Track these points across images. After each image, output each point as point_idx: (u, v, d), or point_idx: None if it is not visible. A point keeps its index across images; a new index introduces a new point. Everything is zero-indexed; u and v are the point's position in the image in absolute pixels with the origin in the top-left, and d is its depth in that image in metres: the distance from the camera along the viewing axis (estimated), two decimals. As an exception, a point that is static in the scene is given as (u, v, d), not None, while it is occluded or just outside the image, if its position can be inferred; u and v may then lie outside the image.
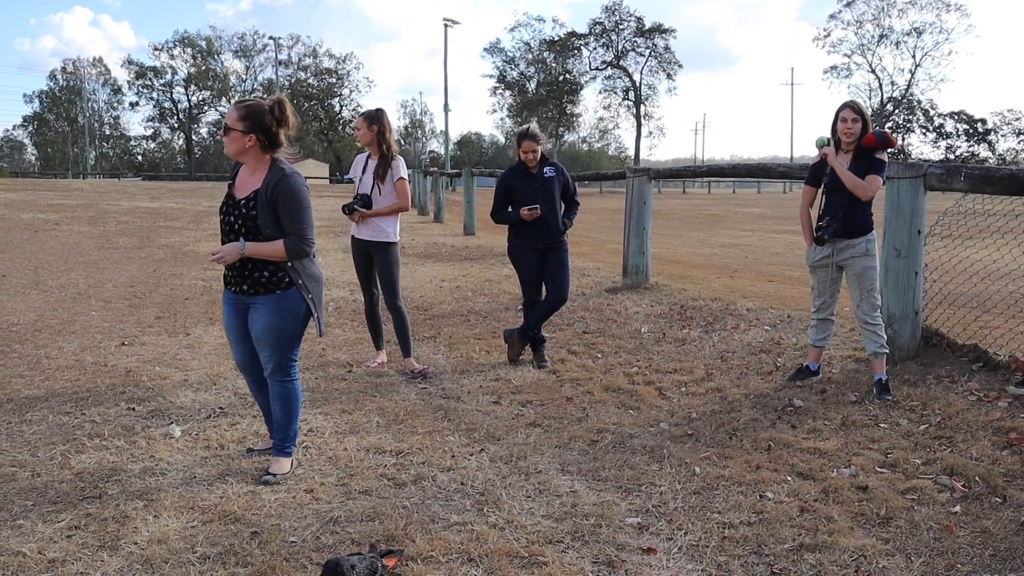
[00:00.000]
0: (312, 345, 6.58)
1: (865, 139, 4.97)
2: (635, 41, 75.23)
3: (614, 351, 6.40)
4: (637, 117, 76.36)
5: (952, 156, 67.69)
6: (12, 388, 5.30)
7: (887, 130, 5.25)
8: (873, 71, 72.35)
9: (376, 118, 5.69)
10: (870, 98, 71.71)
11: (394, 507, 3.52)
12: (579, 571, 2.99)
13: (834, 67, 74.48)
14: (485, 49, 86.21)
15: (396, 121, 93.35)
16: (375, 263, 5.77)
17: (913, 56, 71.09)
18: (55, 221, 18.49)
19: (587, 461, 4.09)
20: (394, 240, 5.74)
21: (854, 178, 4.94)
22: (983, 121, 70.19)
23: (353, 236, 5.82)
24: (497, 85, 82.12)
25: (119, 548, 3.16)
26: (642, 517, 3.46)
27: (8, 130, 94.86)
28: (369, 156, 5.78)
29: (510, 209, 5.93)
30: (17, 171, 77.95)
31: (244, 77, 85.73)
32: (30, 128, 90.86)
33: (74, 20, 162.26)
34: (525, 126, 5.93)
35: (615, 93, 79.16)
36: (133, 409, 4.85)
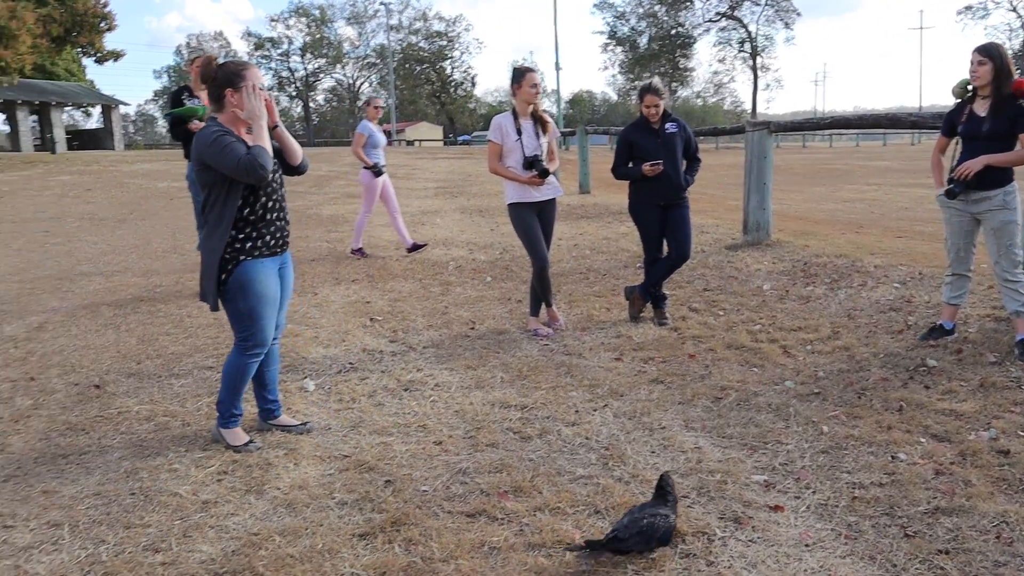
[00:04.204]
0: (435, 303, 6.74)
1: (1015, 84, 4.67)
2: (750, -11, 72.43)
3: (736, 308, 6.29)
4: (753, 69, 73.74)
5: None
6: (160, 344, 5.66)
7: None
8: (1014, 9, 67.28)
9: None
10: (1010, 39, 66.86)
11: (520, 460, 3.61)
12: (705, 526, 3.00)
13: (968, 7, 69.62)
14: (595, 5, 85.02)
15: (506, 81, 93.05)
16: (545, 220, 5.69)
17: (1060, -9, 65.74)
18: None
19: (711, 418, 4.07)
20: None
21: (1014, 155, 4.67)
22: None
23: (525, 202, 5.59)
24: (608, 41, 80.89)
25: (264, 492, 3.37)
26: (768, 475, 3.43)
27: (141, 104, 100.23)
28: (517, 117, 5.58)
29: (631, 165, 5.87)
30: (151, 143, 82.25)
31: (357, 43, 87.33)
32: (160, 102, 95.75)
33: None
34: (648, 80, 5.83)
35: (730, 45, 76.70)
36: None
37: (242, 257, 3.60)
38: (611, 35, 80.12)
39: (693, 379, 4.67)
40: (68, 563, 2.86)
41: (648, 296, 5.99)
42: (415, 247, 9.36)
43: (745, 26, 73.94)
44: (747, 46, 74.57)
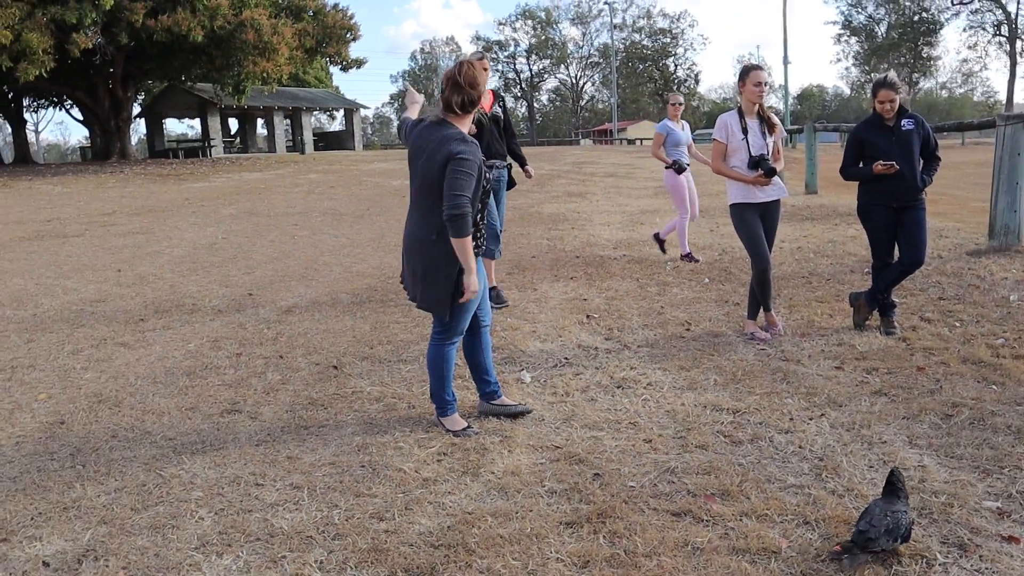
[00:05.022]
0: (651, 303, 6.76)
1: None
2: (1013, -33, 65.63)
3: (975, 320, 5.81)
4: (1011, 55, 66.72)
5: None
6: (390, 331, 6.10)
7: None
8: None
9: None
10: None
11: (730, 463, 3.58)
12: (925, 549, 2.83)
13: None
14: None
15: (732, 78, 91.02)
16: (769, 222, 5.56)
17: None
18: (418, 186, 20.59)
19: (939, 436, 3.81)
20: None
21: None
22: None
23: (749, 203, 5.48)
24: (842, 32, 76.66)
25: (479, 475, 3.57)
26: (1003, 502, 3.17)
27: (378, 107, 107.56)
28: (743, 115, 5.47)
29: (861, 165, 5.58)
30: (386, 143, 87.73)
31: (580, 43, 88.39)
32: (395, 104, 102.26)
33: (430, 4, 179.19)
34: (883, 74, 5.51)
35: (983, 29, 70.06)
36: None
37: None
38: (845, 24, 75.85)
39: (921, 393, 4.38)
40: (306, 522, 3.19)
41: (875, 303, 5.67)
42: (688, 257, 8.85)
43: (1003, 6, 67.09)
44: (1004, 29, 67.70)
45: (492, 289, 6.77)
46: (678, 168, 8.67)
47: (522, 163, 7.01)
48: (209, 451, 3.94)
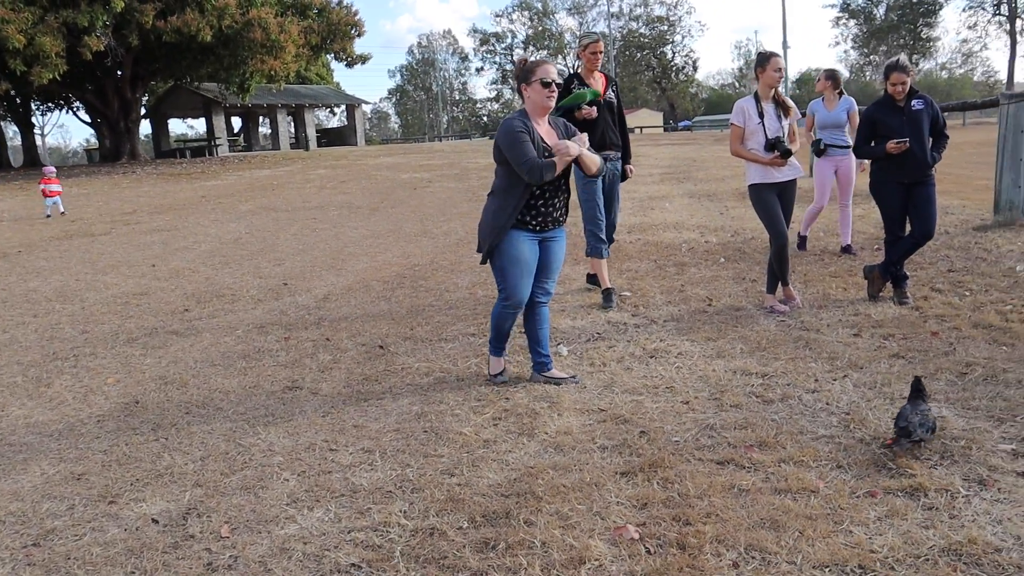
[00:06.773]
0: (672, 282, 7.08)
1: None
2: (1010, -54, 65.64)
3: (984, 289, 6.13)
4: (1011, 34, 66.78)
5: None
6: (427, 314, 6.42)
7: None
8: None
9: None
10: None
11: (764, 419, 3.90)
12: (949, 484, 3.15)
13: None
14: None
15: (730, 64, 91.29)
16: (785, 200, 5.80)
17: None
18: (428, 179, 20.89)
19: (955, 391, 4.13)
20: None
21: None
22: None
23: (766, 183, 5.72)
24: (840, 15, 76.66)
25: (535, 435, 3.89)
26: (1017, 444, 3.48)
27: (376, 103, 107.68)
28: (759, 100, 5.73)
29: (873, 144, 5.89)
30: (384, 138, 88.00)
31: (577, 33, 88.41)
32: (393, 99, 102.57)
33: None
34: (894, 58, 5.82)
35: (983, 9, 70.08)
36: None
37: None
38: (844, 7, 75.80)
39: (936, 355, 4.70)
40: (383, 479, 3.51)
41: (888, 275, 5.98)
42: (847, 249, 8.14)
43: (1002, -14, 67.07)
44: (1004, 8, 67.73)
45: (607, 291, 6.48)
46: (817, 151, 8.03)
47: (625, 158, 6.69)
48: (280, 423, 4.27)
